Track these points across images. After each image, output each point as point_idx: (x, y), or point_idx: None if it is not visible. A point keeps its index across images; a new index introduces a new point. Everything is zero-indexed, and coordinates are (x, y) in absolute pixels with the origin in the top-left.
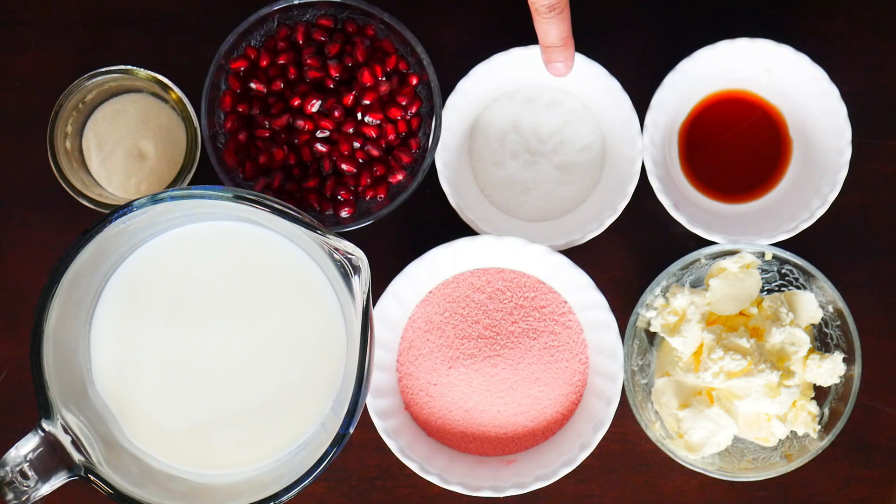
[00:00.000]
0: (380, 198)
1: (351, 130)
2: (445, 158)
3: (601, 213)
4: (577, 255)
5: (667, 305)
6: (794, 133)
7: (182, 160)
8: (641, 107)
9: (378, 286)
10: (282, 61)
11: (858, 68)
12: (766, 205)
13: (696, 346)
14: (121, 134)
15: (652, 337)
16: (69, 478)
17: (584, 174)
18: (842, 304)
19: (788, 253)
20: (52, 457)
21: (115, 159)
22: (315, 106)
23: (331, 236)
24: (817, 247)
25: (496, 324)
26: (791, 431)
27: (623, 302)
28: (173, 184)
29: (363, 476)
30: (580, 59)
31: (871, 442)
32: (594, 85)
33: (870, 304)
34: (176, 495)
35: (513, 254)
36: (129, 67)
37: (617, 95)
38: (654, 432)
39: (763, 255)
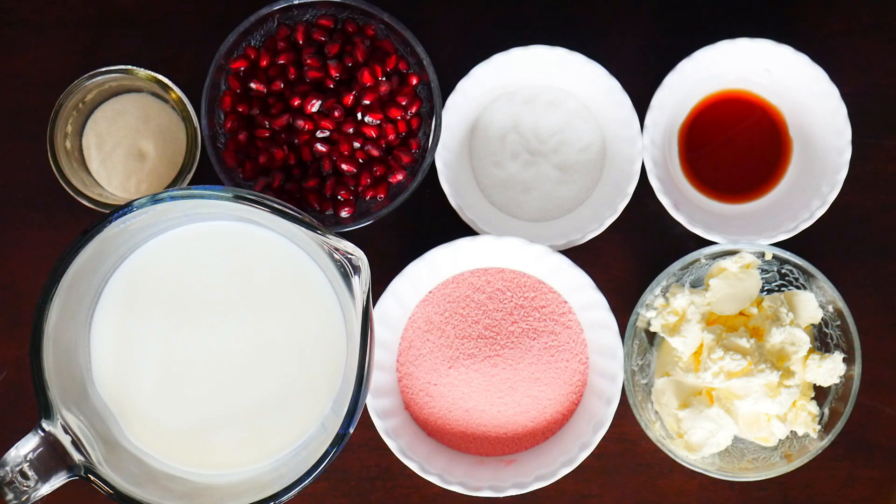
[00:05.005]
0: (380, 198)
1: (351, 130)
2: (445, 158)
3: (601, 213)
4: (577, 255)
5: (667, 305)
6: (794, 133)
7: (182, 160)
8: (641, 107)
9: (378, 286)
10: (282, 61)
11: (858, 68)
12: (766, 205)
13: (696, 346)
14: (121, 134)
15: (652, 337)
16: (69, 478)
17: (584, 174)
18: (842, 304)
19: (788, 253)
20: (52, 457)
21: (115, 159)
22: (315, 106)
23: (331, 236)
24: (817, 247)
25: (496, 324)
26: (791, 431)
27: (623, 302)
28: (173, 184)
29: (363, 476)
30: (580, 59)
31: (871, 442)
32: (594, 85)
33: (870, 304)
34: (176, 495)
35: (513, 254)
36: (129, 67)
37: (617, 95)
38: (654, 432)
39: (763, 255)
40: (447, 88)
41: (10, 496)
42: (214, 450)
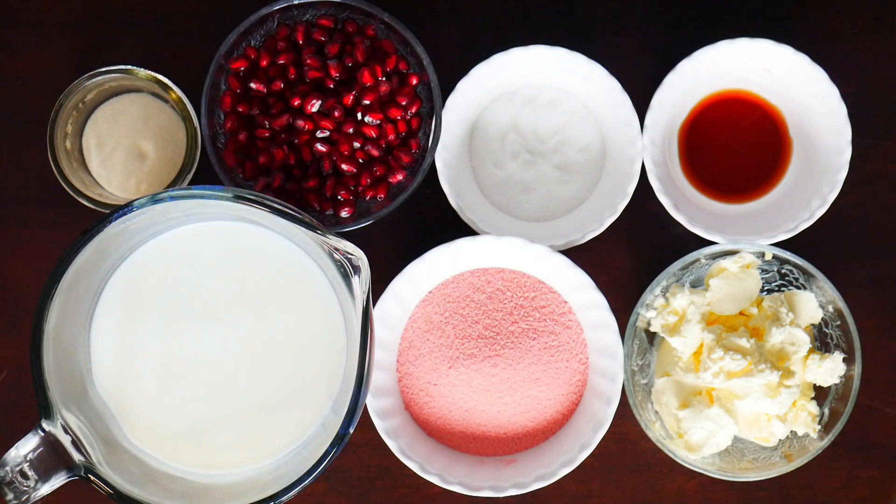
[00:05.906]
0: (380, 198)
1: (351, 130)
2: (445, 158)
3: (601, 213)
4: (577, 255)
5: (667, 305)
6: (794, 133)
7: (182, 160)
8: (641, 107)
9: (378, 286)
10: (282, 61)
11: (858, 68)
12: (766, 205)
13: (696, 346)
14: (121, 134)
15: (652, 337)
16: (69, 478)
17: (584, 174)
18: (842, 304)
19: (788, 253)
20: (52, 457)
21: (115, 159)
22: (315, 106)
23: (331, 236)
24: (817, 247)
25: (496, 324)
26: (791, 431)
27: (623, 302)
28: (173, 184)
29: (363, 476)
30: (580, 59)
31: (871, 442)
32: (594, 85)
33: (870, 304)
34: (176, 495)
35: (513, 254)
36: (129, 67)
37: (617, 95)
38: (654, 432)
39: (763, 255)
40: (447, 88)
41: (10, 496)
42: (214, 450)
